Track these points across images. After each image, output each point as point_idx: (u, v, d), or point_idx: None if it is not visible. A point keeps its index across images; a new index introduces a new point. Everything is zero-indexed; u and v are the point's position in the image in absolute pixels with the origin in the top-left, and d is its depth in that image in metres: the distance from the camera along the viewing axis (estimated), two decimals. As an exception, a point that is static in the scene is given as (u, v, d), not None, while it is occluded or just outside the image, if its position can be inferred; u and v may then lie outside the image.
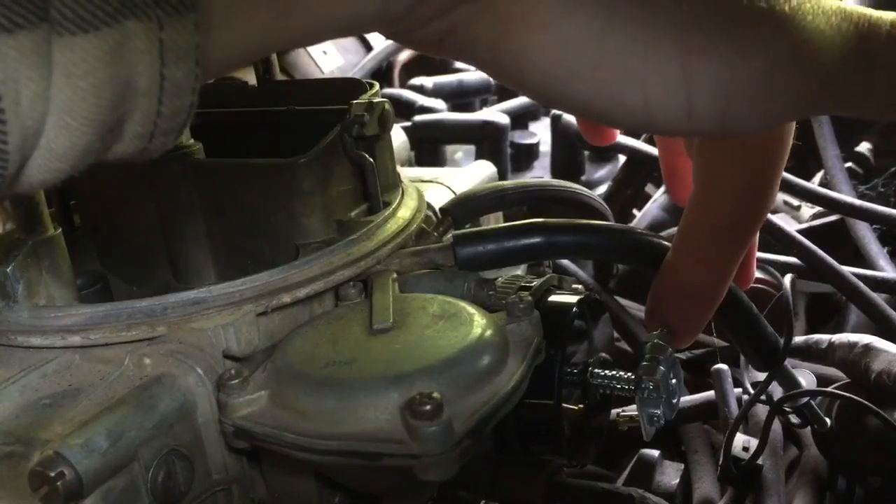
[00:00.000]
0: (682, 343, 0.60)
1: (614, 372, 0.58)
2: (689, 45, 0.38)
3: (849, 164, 1.24)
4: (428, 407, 0.41)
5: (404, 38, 0.42)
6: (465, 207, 0.73)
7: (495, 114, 1.47)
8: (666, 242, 0.61)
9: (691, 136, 0.48)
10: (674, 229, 1.05)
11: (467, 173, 0.85)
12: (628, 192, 1.30)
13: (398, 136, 1.03)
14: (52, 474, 0.41)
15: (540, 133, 1.58)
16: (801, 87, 0.39)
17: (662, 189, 1.33)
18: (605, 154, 1.51)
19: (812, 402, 0.74)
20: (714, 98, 0.39)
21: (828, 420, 0.75)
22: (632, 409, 0.77)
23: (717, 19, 0.37)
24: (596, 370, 0.58)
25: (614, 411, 0.77)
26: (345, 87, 0.69)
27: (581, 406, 0.59)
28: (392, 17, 0.38)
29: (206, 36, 0.32)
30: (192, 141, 0.64)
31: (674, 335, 0.57)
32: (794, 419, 0.77)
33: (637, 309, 1.04)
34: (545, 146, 1.53)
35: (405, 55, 1.91)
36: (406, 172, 0.79)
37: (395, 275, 0.58)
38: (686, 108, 0.39)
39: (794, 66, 0.38)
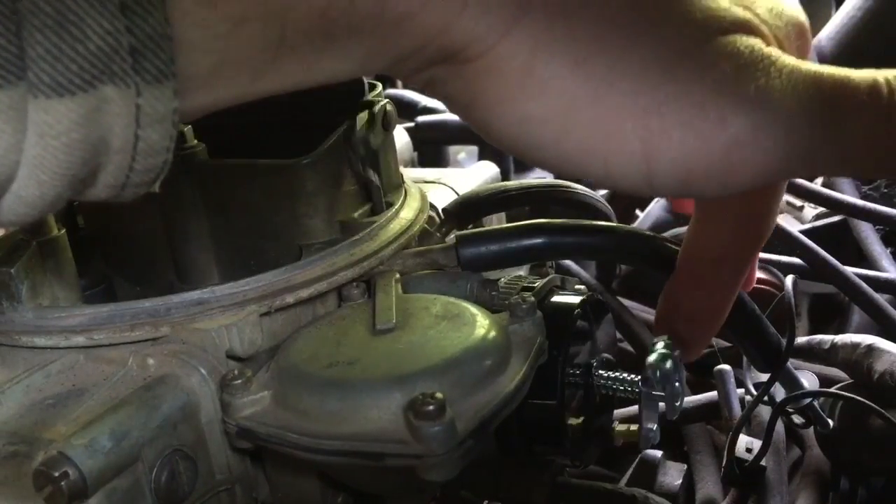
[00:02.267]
0: (688, 357, 0.61)
1: (617, 373, 0.58)
2: (651, 127, 0.38)
3: (852, 165, 1.24)
4: (431, 407, 0.41)
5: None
6: (468, 208, 0.74)
7: (498, 114, 1.46)
8: (669, 244, 0.61)
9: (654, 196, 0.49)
10: (677, 230, 1.06)
11: (470, 174, 0.85)
12: (631, 193, 1.30)
13: (401, 137, 1.03)
14: (56, 474, 0.41)
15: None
16: (761, 163, 0.39)
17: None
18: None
19: (815, 403, 0.74)
20: (674, 172, 0.39)
21: (830, 421, 0.75)
22: (628, 413, 0.77)
23: (680, 103, 0.38)
24: (599, 371, 0.59)
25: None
26: (348, 88, 0.69)
27: (581, 420, 0.59)
28: (370, 74, 0.39)
29: (182, 99, 0.32)
30: (195, 141, 0.64)
31: (682, 351, 0.58)
32: (796, 420, 0.77)
33: (640, 310, 1.04)
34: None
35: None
36: (409, 173, 0.79)
37: (398, 275, 0.59)
38: (647, 178, 0.40)
39: (755, 145, 0.38)
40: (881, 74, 0.39)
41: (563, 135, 0.39)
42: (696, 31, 0.39)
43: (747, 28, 0.40)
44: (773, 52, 0.40)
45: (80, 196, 0.34)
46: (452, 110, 0.43)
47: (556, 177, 1.38)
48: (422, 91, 0.43)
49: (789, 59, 0.39)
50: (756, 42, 0.40)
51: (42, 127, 0.30)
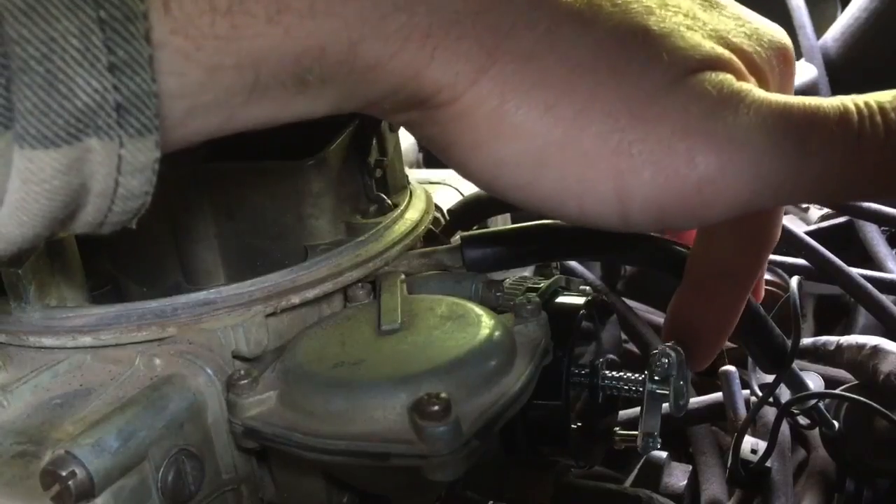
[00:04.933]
0: (696, 368, 0.61)
1: (622, 373, 0.58)
2: (621, 167, 0.39)
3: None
4: (436, 407, 0.41)
5: None
6: (473, 209, 0.74)
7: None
8: (674, 244, 0.61)
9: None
10: (681, 231, 1.06)
11: (475, 175, 0.85)
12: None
13: (406, 138, 1.03)
14: (64, 473, 0.41)
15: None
16: (732, 198, 0.39)
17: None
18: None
19: (820, 404, 0.74)
20: (647, 209, 0.40)
21: (836, 422, 0.75)
22: (630, 414, 0.77)
23: (649, 144, 0.38)
24: (604, 371, 0.59)
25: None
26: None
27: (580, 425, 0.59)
28: (343, 113, 0.40)
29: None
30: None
31: (689, 361, 0.58)
32: (802, 421, 0.77)
33: (645, 311, 1.04)
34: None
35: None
36: (414, 174, 0.79)
37: (403, 276, 0.59)
38: (622, 217, 0.41)
39: (724, 181, 0.39)
40: (851, 101, 0.39)
41: (536, 178, 0.40)
42: (664, 72, 0.39)
43: (718, 64, 0.41)
44: (744, 87, 0.40)
45: (58, 232, 0.35)
46: (432, 151, 0.43)
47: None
48: (396, 124, 0.44)
49: (759, 94, 0.40)
50: (726, 78, 0.40)
51: (25, 174, 0.31)
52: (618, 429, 0.65)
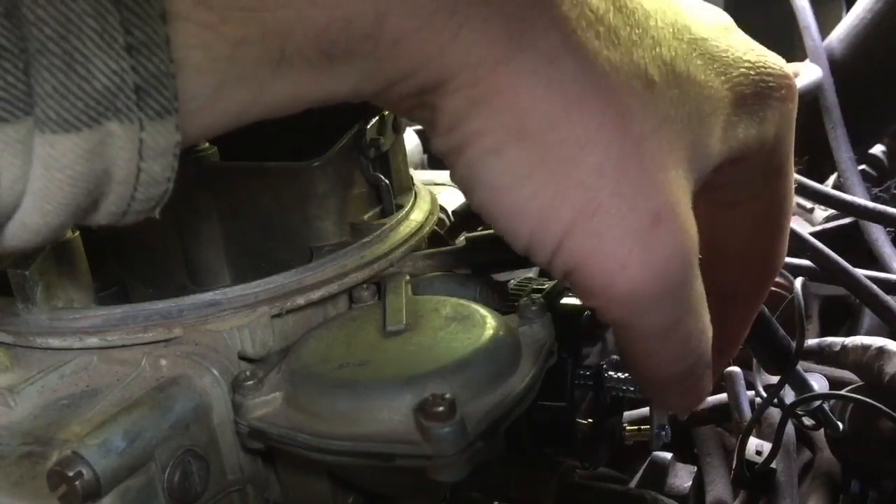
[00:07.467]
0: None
1: (627, 374, 0.58)
2: (577, 220, 0.40)
3: (862, 167, 1.24)
4: (441, 408, 0.41)
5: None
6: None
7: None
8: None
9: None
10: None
11: (480, 176, 0.85)
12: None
13: (411, 140, 1.03)
14: (71, 474, 0.41)
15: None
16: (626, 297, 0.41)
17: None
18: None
19: (825, 406, 0.74)
20: (566, 263, 0.41)
21: (840, 423, 0.75)
22: (639, 416, 0.77)
23: (604, 219, 0.40)
24: (609, 373, 0.59)
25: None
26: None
27: (591, 421, 0.59)
28: (365, 96, 0.39)
29: (185, 121, 0.33)
30: (207, 144, 0.64)
31: None
32: (807, 422, 0.77)
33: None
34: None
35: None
36: (419, 175, 0.79)
37: (408, 277, 0.59)
38: (548, 262, 0.42)
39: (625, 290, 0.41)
40: None
41: (514, 184, 0.40)
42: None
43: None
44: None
45: (82, 222, 0.34)
46: (434, 138, 0.42)
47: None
48: (408, 115, 0.43)
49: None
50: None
51: (47, 160, 0.30)
52: (626, 425, 0.65)
